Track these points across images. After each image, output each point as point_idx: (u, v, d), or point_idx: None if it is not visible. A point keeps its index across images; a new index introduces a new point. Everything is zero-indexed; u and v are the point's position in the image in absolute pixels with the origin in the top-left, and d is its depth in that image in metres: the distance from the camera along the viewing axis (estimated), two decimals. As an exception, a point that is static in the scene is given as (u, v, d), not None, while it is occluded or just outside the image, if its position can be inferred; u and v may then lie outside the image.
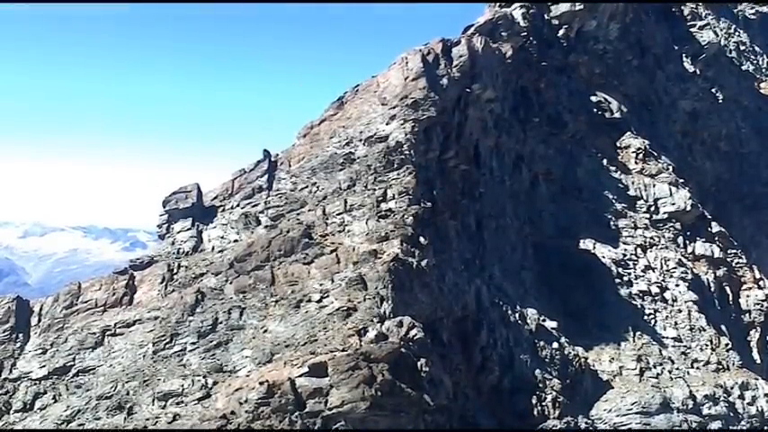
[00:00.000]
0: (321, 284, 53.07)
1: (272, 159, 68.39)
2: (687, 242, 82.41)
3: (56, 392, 51.52)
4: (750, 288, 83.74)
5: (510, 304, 66.03)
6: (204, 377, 47.75)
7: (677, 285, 77.61)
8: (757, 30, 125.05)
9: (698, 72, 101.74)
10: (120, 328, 55.13)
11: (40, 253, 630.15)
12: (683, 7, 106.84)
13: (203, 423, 42.61)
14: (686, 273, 78.60)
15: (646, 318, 75.04)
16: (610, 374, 67.83)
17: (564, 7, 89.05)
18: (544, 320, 67.42)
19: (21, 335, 56.32)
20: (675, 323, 75.14)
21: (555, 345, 65.66)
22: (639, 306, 75.63)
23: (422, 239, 58.17)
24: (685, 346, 73.81)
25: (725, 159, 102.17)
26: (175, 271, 59.10)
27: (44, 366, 53.79)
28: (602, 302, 74.50)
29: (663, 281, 77.56)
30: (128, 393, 48.77)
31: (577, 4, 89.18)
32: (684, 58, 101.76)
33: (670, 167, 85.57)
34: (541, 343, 64.96)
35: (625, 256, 78.57)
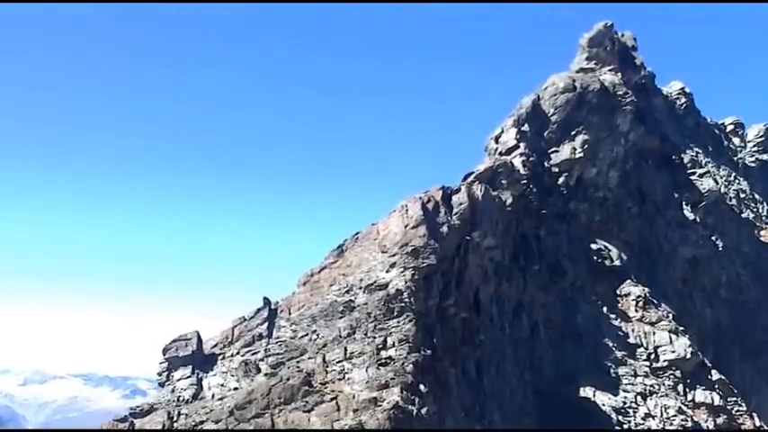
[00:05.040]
0: (321, 433, 53.08)
1: (273, 307, 68.81)
2: (687, 390, 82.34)
3: None
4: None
5: (510, 452, 65.88)
6: None
7: (678, 433, 77.41)
8: (757, 177, 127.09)
9: (698, 219, 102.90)
10: (119, 475, 55.06)
11: (40, 400, 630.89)
12: (683, 155, 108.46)
13: None
14: (686, 420, 78.39)
15: (647, 466, 74.69)
16: None
17: (564, 155, 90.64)
18: (544, 469, 67.18)
19: (20, 482, 56.25)
20: (676, 472, 74.76)
21: (555, 494, 65.39)
22: (640, 454, 75.33)
23: (422, 387, 58.16)
24: (686, 495, 73.37)
25: (725, 306, 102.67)
26: (175, 419, 59.07)
27: None
28: (604, 450, 74.24)
29: (663, 429, 77.30)
30: None
31: (578, 151, 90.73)
32: (684, 206, 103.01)
33: (670, 315, 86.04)
34: (541, 492, 64.72)
35: (625, 403, 78.46)
